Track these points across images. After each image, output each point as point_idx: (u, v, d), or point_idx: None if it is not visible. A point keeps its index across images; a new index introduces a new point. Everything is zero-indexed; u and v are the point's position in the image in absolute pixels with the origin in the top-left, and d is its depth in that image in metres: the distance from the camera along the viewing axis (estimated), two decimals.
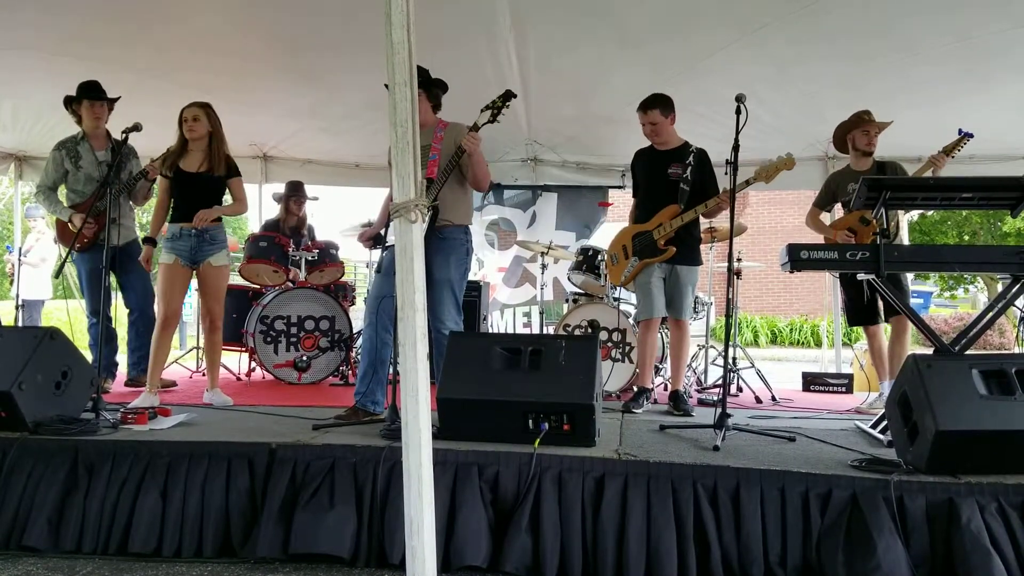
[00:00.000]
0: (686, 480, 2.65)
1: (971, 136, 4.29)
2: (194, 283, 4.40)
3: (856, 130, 4.52)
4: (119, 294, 4.88)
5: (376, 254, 5.26)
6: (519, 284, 7.58)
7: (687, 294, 4.30)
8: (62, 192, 4.81)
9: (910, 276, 5.16)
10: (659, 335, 4.79)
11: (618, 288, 5.28)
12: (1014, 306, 3.00)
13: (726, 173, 3.53)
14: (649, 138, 4.40)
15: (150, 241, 4.25)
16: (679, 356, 4.39)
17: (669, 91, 5.18)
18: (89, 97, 4.66)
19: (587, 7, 4.22)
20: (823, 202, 4.79)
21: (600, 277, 5.46)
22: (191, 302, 7.42)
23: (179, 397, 4.52)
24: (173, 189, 4.20)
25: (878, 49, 4.53)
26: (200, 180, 4.18)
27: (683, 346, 4.38)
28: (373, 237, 4.35)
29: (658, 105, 4.27)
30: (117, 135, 4.11)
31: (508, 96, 3.64)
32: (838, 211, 4.94)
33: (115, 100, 4.76)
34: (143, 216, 8.70)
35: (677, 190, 4.23)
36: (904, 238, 4.61)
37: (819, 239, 4.59)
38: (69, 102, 4.72)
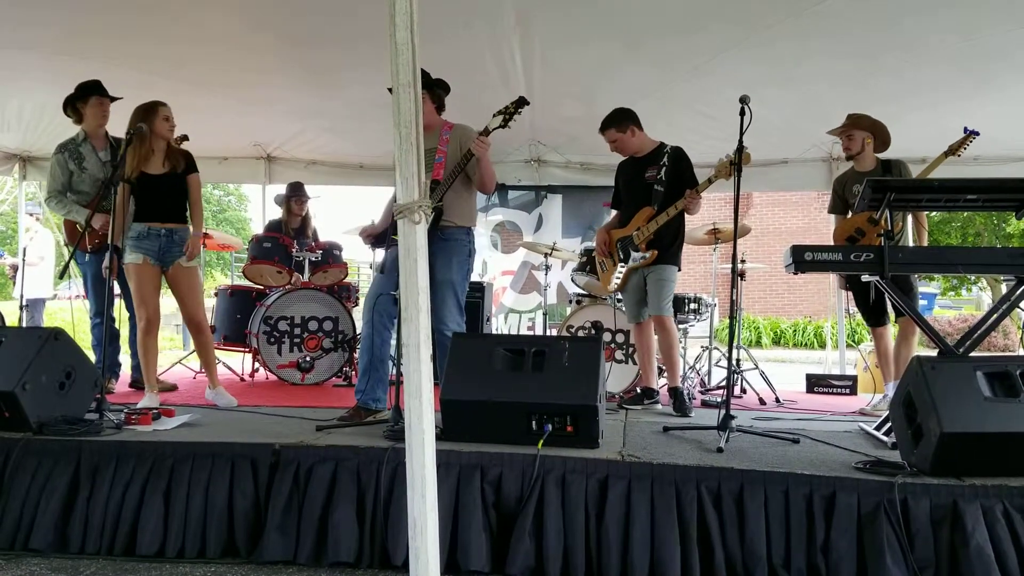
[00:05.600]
0: (690, 482, 2.64)
1: (977, 134, 4.28)
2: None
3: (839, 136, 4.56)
4: (121, 297, 4.85)
5: (380, 254, 5.25)
6: (526, 291, 7.58)
7: (663, 290, 4.30)
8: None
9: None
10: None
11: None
12: (1019, 308, 2.99)
13: (730, 175, 3.52)
14: (619, 153, 4.46)
15: (118, 250, 3.94)
16: (668, 352, 4.38)
17: (673, 91, 5.21)
18: (98, 93, 4.61)
19: (591, 6, 4.22)
20: (837, 208, 4.70)
21: None
22: None
23: (183, 398, 4.53)
24: (136, 192, 4.01)
25: (882, 50, 4.51)
26: (166, 181, 4.04)
27: (670, 341, 4.36)
28: (375, 237, 4.33)
29: (612, 124, 4.34)
30: (115, 134, 4.06)
31: (521, 103, 3.63)
32: None
33: (118, 99, 4.72)
34: None
35: (652, 192, 4.27)
36: (908, 239, 4.59)
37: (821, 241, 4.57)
38: (71, 101, 4.65)
